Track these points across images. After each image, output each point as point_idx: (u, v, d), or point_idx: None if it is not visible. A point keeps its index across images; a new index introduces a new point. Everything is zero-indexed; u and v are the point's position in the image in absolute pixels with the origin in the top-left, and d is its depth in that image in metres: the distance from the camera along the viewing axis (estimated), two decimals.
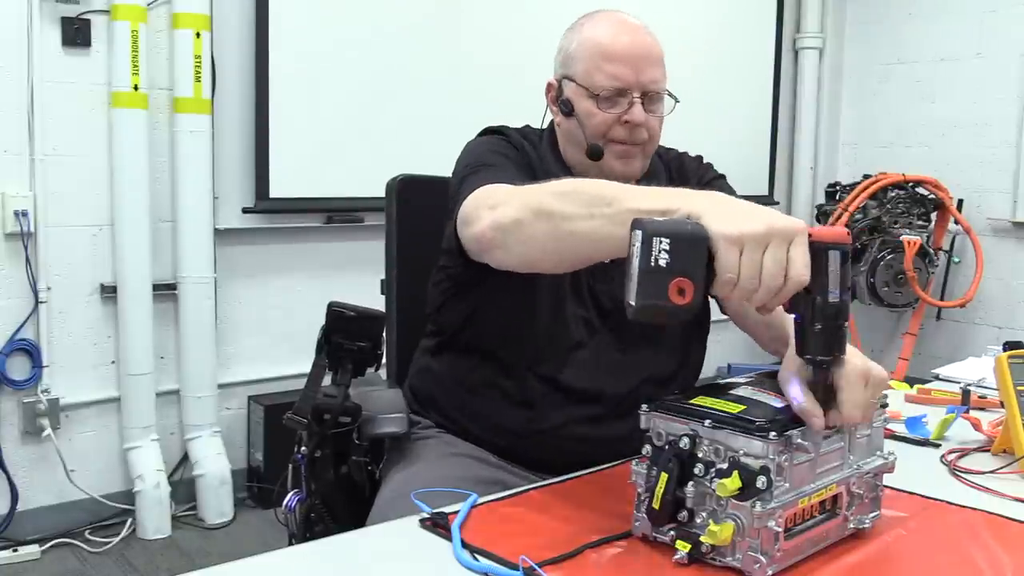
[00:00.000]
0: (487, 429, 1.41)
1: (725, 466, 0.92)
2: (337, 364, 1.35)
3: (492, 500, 1.12)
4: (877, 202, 4.52)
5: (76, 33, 2.95)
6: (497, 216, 1.16)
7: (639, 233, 0.88)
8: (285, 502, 1.38)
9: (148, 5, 3.02)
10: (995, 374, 1.39)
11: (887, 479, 1.07)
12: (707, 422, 0.94)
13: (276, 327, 3.46)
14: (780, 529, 0.90)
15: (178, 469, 3.27)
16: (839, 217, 4.47)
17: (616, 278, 1.23)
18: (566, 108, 1.42)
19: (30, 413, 2.97)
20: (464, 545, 0.96)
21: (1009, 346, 1.42)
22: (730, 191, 1.53)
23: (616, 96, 1.38)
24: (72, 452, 3.07)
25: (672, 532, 0.95)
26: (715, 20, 4.63)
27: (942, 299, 4.66)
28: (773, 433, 0.90)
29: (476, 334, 1.44)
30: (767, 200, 5.01)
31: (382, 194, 1.67)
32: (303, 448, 1.36)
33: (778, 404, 0.97)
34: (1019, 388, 1.34)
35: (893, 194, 4.53)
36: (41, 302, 2.95)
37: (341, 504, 1.37)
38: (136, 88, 2.99)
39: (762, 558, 0.90)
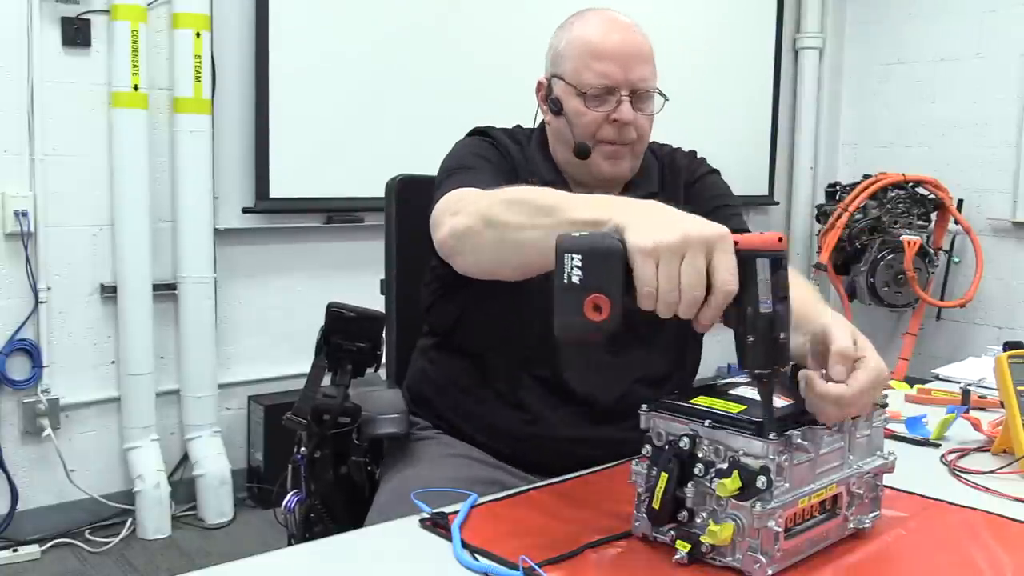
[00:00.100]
0: (481, 430, 1.41)
1: (725, 466, 0.92)
2: (337, 365, 1.35)
3: (492, 500, 1.12)
4: (877, 202, 4.52)
5: (76, 33, 2.95)
6: (455, 223, 1.17)
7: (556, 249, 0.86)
8: (285, 502, 1.38)
9: (148, 5, 3.02)
10: (995, 374, 1.39)
11: (887, 479, 1.07)
12: (707, 422, 0.94)
13: (276, 327, 3.46)
14: (780, 529, 0.90)
15: (178, 469, 3.27)
16: (839, 217, 4.47)
17: None
18: (555, 107, 1.41)
19: (30, 413, 2.97)
20: (464, 545, 0.96)
21: (1009, 346, 1.42)
22: (724, 187, 1.53)
23: (604, 94, 1.37)
24: (72, 452, 3.07)
25: (672, 532, 0.95)
26: (715, 20, 4.63)
27: (942, 299, 4.66)
28: (773, 433, 0.90)
29: (467, 336, 1.44)
30: (767, 200, 5.01)
31: (382, 194, 1.67)
32: (303, 448, 1.36)
33: (778, 404, 0.97)
34: (1019, 388, 1.34)
35: (893, 194, 4.53)
36: (41, 302, 2.95)
37: (340, 504, 1.37)
38: (136, 88, 2.99)
39: (762, 558, 0.90)
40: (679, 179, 1.49)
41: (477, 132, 1.47)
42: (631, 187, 1.44)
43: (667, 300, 0.86)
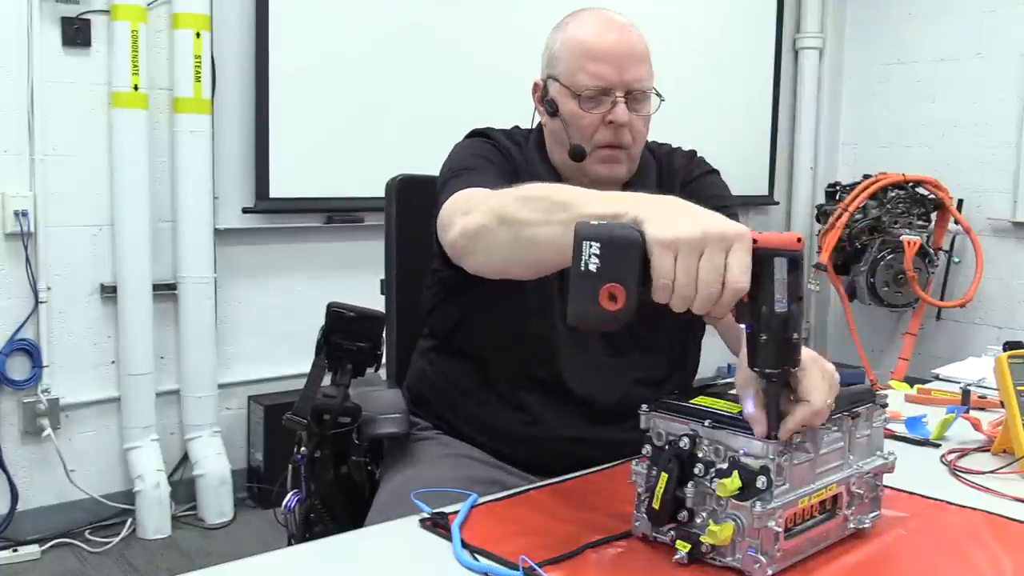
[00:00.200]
0: (481, 431, 1.41)
1: (725, 466, 0.92)
2: (337, 364, 1.35)
3: (492, 500, 1.12)
4: (877, 202, 4.52)
5: (76, 33, 2.95)
6: (467, 222, 1.15)
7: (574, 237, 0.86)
8: (285, 502, 1.38)
9: (148, 5, 3.02)
10: (995, 374, 1.39)
11: (887, 479, 1.07)
12: (707, 422, 0.94)
13: (276, 327, 3.46)
14: (780, 529, 0.90)
15: (178, 469, 3.27)
16: (839, 217, 4.47)
17: None
18: (551, 108, 1.40)
19: (30, 413, 2.97)
20: (464, 545, 0.96)
21: (1009, 346, 1.42)
22: (722, 187, 1.52)
23: (599, 96, 1.36)
24: (72, 452, 3.07)
25: (672, 532, 0.95)
26: (715, 20, 4.63)
27: (942, 299, 4.66)
28: (773, 433, 0.90)
29: (467, 338, 1.44)
30: (767, 200, 5.01)
31: (382, 194, 1.67)
32: (303, 448, 1.36)
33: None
34: (1019, 388, 1.34)
35: (893, 194, 4.52)
36: (41, 302, 2.95)
37: (341, 504, 1.37)
38: (136, 88, 2.99)
39: (762, 558, 0.90)
40: (675, 179, 1.49)
41: (476, 134, 1.46)
42: (628, 188, 1.43)
43: (683, 294, 0.85)
